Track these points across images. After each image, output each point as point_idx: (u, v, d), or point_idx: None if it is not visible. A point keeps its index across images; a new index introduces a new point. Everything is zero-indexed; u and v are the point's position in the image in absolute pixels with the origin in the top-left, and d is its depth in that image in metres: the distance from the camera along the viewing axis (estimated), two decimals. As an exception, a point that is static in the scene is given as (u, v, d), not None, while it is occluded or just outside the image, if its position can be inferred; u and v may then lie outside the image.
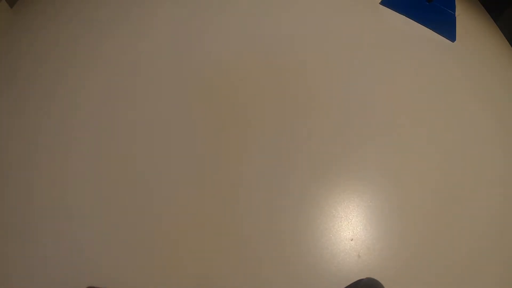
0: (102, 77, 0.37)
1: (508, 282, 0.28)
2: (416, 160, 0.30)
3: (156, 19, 0.39)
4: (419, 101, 0.33)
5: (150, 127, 0.33)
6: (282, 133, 0.31)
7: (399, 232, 0.28)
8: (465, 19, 0.39)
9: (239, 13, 0.38)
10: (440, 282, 0.26)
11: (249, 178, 0.30)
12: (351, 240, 0.27)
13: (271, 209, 0.29)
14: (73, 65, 0.38)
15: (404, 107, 0.32)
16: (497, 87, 0.36)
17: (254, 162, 0.30)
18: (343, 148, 0.30)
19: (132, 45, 0.38)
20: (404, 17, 0.37)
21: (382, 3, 0.37)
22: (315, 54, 0.35)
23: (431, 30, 0.36)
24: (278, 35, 0.36)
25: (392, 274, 0.26)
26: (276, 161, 0.30)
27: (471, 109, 0.32)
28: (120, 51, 0.38)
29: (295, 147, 0.31)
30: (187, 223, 0.29)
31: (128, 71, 0.37)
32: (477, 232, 0.28)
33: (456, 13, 0.36)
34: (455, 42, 0.35)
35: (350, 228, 0.27)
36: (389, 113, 0.32)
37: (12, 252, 0.29)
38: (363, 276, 0.26)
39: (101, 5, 0.43)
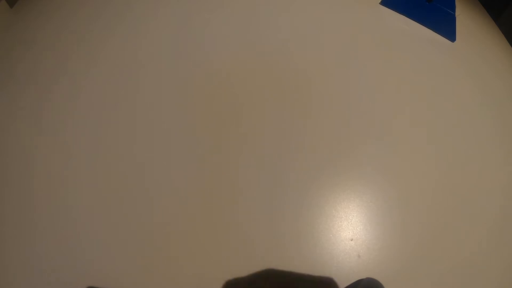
0: (101, 77, 0.37)
1: (510, 283, 0.28)
2: (416, 160, 0.30)
3: (155, 20, 0.39)
4: (418, 101, 0.33)
5: (149, 127, 0.33)
6: (281, 132, 0.31)
7: (399, 232, 0.28)
8: (465, 19, 0.39)
9: (238, 12, 0.38)
10: (440, 282, 0.26)
11: (248, 178, 0.30)
12: (351, 240, 0.27)
13: (271, 209, 0.29)
14: (72, 65, 0.39)
15: (404, 106, 0.32)
16: (497, 87, 0.36)
17: (253, 162, 0.30)
18: (343, 148, 0.30)
19: (132, 46, 0.38)
20: (404, 17, 0.37)
21: (382, 3, 0.37)
22: (314, 54, 0.35)
23: (431, 30, 0.36)
24: (277, 35, 0.36)
25: (392, 274, 0.26)
26: (275, 161, 0.30)
27: (470, 109, 0.32)
28: (120, 51, 0.38)
29: (294, 147, 0.31)
30: (187, 224, 0.29)
31: (128, 71, 0.37)
32: (478, 233, 0.28)
33: (456, 13, 0.36)
34: (455, 42, 0.35)
35: (350, 228, 0.27)
36: (389, 112, 0.32)
37: (10, 253, 0.29)
38: (363, 276, 0.26)
39: (100, 6, 0.43)
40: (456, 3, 0.36)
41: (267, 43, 0.36)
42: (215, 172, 0.30)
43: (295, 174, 0.30)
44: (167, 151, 0.32)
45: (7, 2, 0.47)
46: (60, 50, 0.41)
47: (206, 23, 0.39)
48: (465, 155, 0.30)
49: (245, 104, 0.33)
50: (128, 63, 0.37)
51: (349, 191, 0.29)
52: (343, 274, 0.26)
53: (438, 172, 0.29)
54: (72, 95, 0.36)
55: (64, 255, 0.29)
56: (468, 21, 0.40)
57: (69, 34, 0.42)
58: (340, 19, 0.37)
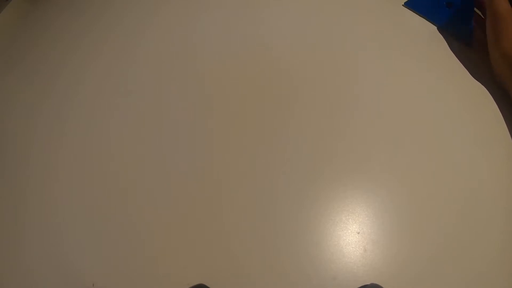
0: (101, 71, 0.38)
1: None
2: (423, 158, 0.30)
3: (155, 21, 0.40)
4: (429, 102, 0.33)
5: (138, 129, 0.34)
6: (295, 131, 0.32)
7: (405, 230, 0.28)
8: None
9: (265, 11, 0.39)
10: (444, 280, 0.26)
11: (262, 175, 0.30)
12: (358, 233, 0.27)
13: (281, 201, 0.29)
14: (80, 56, 0.39)
15: (412, 108, 0.32)
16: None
17: (265, 157, 0.31)
18: (352, 146, 0.31)
19: (140, 41, 0.39)
20: (424, 20, 0.38)
21: (405, 4, 0.39)
22: (330, 53, 0.36)
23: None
24: (304, 35, 0.37)
25: (396, 271, 0.26)
26: (288, 158, 0.31)
27: (482, 113, 0.32)
28: (129, 43, 0.39)
29: (307, 145, 0.31)
30: (189, 226, 0.29)
31: (133, 63, 0.38)
32: (481, 232, 0.28)
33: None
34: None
35: (357, 221, 0.27)
36: (398, 112, 0.32)
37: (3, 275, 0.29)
38: (368, 272, 0.26)
39: (111, 2, 0.44)
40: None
41: (292, 42, 0.37)
42: (223, 169, 0.31)
43: (305, 167, 0.30)
44: (165, 148, 0.33)
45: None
46: (74, 39, 0.42)
47: (213, 19, 0.40)
48: (470, 155, 0.30)
49: (262, 103, 0.34)
50: (136, 55, 0.38)
51: (357, 186, 0.29)
52: (349, 267, 0.26)
53: (444, 171, 0.30)
54: (76, 85, 0.37)
55: (58, 278, 0.28)
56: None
57: (81, 24, 0.43)
58: (364, 19, 0.38)
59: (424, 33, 0.37)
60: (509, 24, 0.31)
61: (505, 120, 0.31)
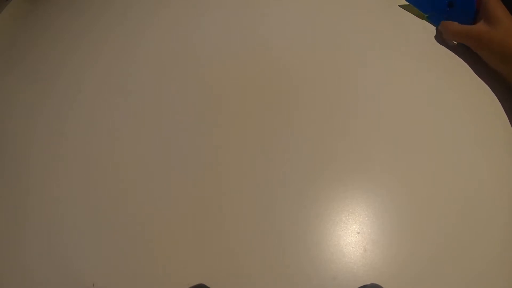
0: (100, 73, 0.38)
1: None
2: (423, 158, 0.30)
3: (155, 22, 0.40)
4: (429, 102, 0.33)
5: (138, 132, 0.34)
6: (295, 131, 0.32)
7: (405, 230, 0.28)
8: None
9: (264, 11, 0.39)
10: (444, 280, 0.26)
11: (263, 175, 0.30)
12: (358, 233, 0.27)
13: (281, 201, 0.29)
14: (84, 55, 0.39)
15: (412, 107, 0.32)
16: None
17: (271, 160, 0.31)
18: (353, 147, 0.31)
19: (140, 41, 0.39)
20: (421, 20, 0.38)
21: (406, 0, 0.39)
22: (330, 53, 0.36)
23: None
24: (304, 35, 0.37)
25: (396, 271, 0.26)
26: (288, 158, 0.31)
27: (481, 113, 0.33)
28: (129, 43, 0.39)
29: (307, 145, 0.31)
30: (189, 226, 0.29)
31: (132, 63, 0.38)
32: (481, 232, 0.28)
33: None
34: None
35: (357, 221, 0.27)
36: (398, 112, 0.32)
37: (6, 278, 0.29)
38: (368, 272, 0.26)
39: (110, 3, 0.44)
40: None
41: (287, 42, 0.37)
42: (223, 169, 0.31)
43: (305, 167, 0.30)
44: (165, 148, 0.32)
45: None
46: (72, 38, 0.42)
47: (216, 20, 0.40)
48: (470, 155, 0.30)
49: (256, 101, 0.34)
50: (135, 55, 0.38)
51: (357, 186, 0.29)
52: (349, 267, 0.26)
53: (444, 172, 0.30)
54: (74, 88, 0.37)
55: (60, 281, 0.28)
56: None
57: (80, 24, 0.43)
58: (359, 20, 0.38)
59: (424, 33, 0.37)
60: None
61: (504, 120, 0.31)
